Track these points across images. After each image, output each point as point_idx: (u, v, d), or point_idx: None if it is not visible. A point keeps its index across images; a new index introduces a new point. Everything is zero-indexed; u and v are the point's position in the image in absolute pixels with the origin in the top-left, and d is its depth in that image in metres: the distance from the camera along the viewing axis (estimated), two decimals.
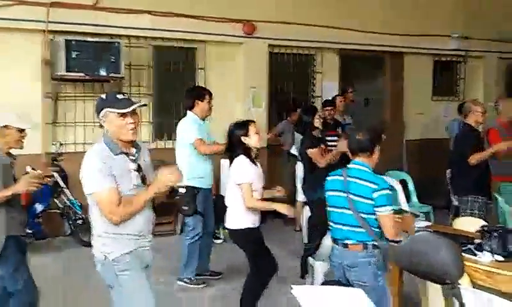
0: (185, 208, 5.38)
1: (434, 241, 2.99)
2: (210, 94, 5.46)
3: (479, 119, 5.41)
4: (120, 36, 7.21)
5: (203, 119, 5.43)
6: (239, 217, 4.25)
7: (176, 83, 7.93)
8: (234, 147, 4.28)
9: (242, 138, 4.22)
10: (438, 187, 7.98)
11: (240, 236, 4.30)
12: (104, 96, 3.10)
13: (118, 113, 3.00)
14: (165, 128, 7.91)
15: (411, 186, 6.83)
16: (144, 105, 3.23)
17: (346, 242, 3.50)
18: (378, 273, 3.45)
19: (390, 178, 6.61)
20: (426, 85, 10.08)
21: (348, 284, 3.47)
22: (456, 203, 6.08)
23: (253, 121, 4.42)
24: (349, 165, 3.61)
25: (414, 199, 6.79)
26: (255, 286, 4.31)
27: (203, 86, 7.80)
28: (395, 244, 3.47)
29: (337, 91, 8.76)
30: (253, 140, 4.24)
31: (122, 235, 3.04)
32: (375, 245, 3.42)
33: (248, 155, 4.22)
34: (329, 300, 2.87)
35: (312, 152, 5.76)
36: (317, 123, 5.98)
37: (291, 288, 2.86)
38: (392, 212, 3.45)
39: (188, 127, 5.31)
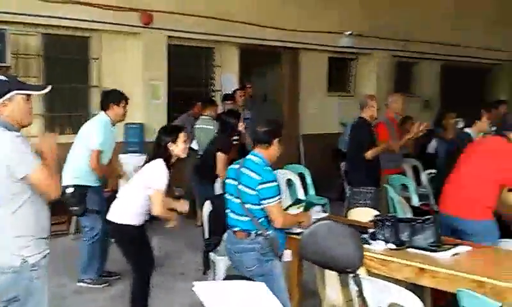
0: (75, 208, 5.16)
1: (337, 229, 3.08)
2: (127, 100, 5.24)
3: (374, 114, 5.68)
4: (6, 22, 6.66)
5: (114, 124, 5.21)
6: (129, 214, 4.10)
7: (69, 74, 7.54)
8: (158, 151, 4.10)
9: (169, 144, 4.07)
10: (333, 179, 8.29)
11: (123, 232, 4.14)
12: (4, 78, 2.82)
13: (26, 96, 2.80)
14: (56, 121, 7.49)
15: (308, 179, 7.00)
16: (52, 88, 3.02)
17: (234, 229, 3.63)
18: (263, 259, 3.54)
19: (288, 171, 6.76)
20: (321, 81, 10.38)
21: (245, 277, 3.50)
22: (350, 194, 6.35)
23: (184, 128, 4.36)
24: (247, 156, 3.68)
25: (311, 191, 6.97)
26: (140, 285, 4.20)
27: (98, 77, 7.52)
28: (297, 235, 3.53)
29: (237, 85, 8.79)
30: (179, 148, 4.11)
31: (39, 234, 2.78)
32: (258, 234, 3.52)
33: (167, 162, 4.07)
34: (230, 295, 2.86)
35: (220, 156, 5.84)
36: (241, 127, 6.17)
37: (193, 285, 2.81)
38: (278, 202, 3.52)
39: (95, 131, 5.01)
